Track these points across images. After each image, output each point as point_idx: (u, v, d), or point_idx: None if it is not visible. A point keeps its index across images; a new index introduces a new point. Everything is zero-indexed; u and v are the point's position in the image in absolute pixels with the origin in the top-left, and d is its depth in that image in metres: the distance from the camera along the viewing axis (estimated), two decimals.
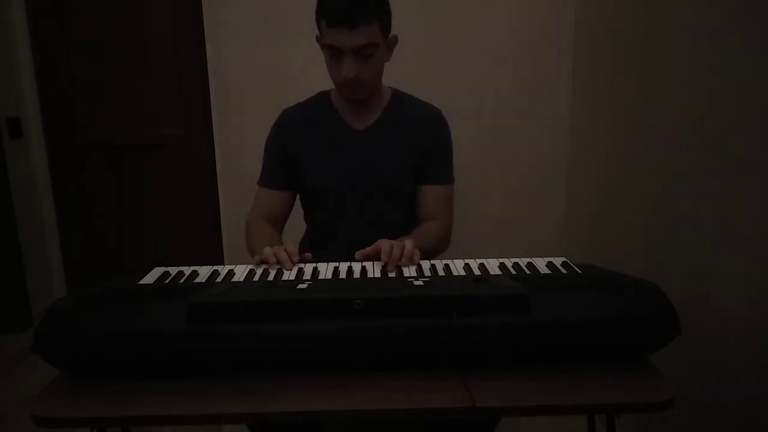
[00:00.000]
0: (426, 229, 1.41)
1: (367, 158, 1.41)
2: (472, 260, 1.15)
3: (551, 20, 2.29)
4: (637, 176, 1.63)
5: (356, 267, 1.15)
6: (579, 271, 1.07)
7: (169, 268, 1.14)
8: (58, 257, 2.87)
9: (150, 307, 0.89)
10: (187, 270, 1.13)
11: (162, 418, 0.83)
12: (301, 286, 0.93)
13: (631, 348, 0.90)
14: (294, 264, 1.15)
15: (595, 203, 2.06)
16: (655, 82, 1.51)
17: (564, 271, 1.08)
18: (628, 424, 1.63)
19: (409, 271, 1.11)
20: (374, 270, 1.12)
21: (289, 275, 1.11)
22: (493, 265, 1.12)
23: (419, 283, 0.94)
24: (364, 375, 0.88)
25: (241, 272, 1.12)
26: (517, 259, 1.15)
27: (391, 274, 1.10)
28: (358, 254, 1.18)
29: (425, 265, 1.15)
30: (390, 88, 1.47)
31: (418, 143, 1.42)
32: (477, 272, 1.08)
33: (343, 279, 1.08)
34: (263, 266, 1.16)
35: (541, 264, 1.12)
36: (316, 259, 1.21)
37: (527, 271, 1.09)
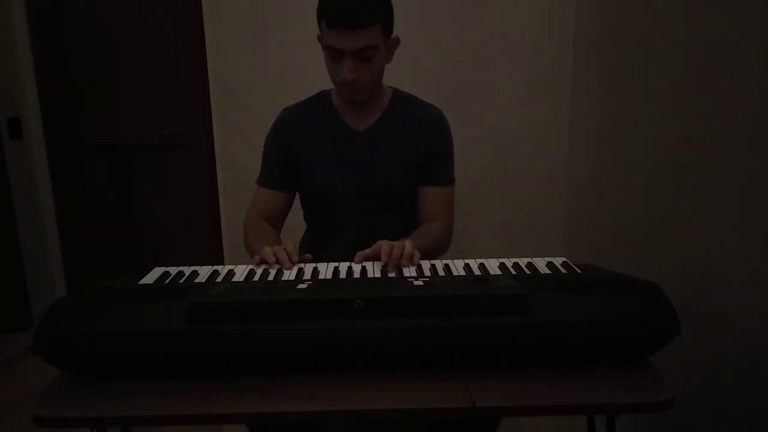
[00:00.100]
0: (426, 230, 1.41)
1: (368, 159, 1.41)
2: (472, 260, 1.15)
3: (551, 20, 2.29)
4: (637, 176, 1.63)
5: (356, 267, 1.15)
6: (579, 271, 1.07)
7: (169, 268, 1.14)
8: (58, 257, 2.87)
9: (150, 307, 0.89)
10: (187, 270, 1.13)
11: (162, 418, 0.83)
12: (301, 286, 0.93)
13: (631, 348, 0.90)
14: (293, 264, 1.15)
15: (595, 203, 2.06)
16: (656, 82, 1.51)
17: (564, 271, 1.08)
18: (628, 424, 1.63)
19: (409, 271, 1.11)
20: (374, 270, 1.12)
21: (289, 275, 1.11)
22: (493, 265, 1.12)
23: (419, 283, 0.94)
24: (364, 375, 0.88)
25: (241, 272, 1.12)
26: (517, 259, 1.14)
27: (391, 274, 1.10)
28: (357, 256, 1.17)
29: (425, 265, 1.15)
30: (391, 88, 1.46)
31: (418, 144, 1.41)
32: (477, 272, 1.08)
33: (343, 279, 1.08)
34: (263, 266, 1.16)
35: (541, 264, 1.12)
36: (316, 259, 1.21)
37: (527, 271, 1.09)
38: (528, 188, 2.47)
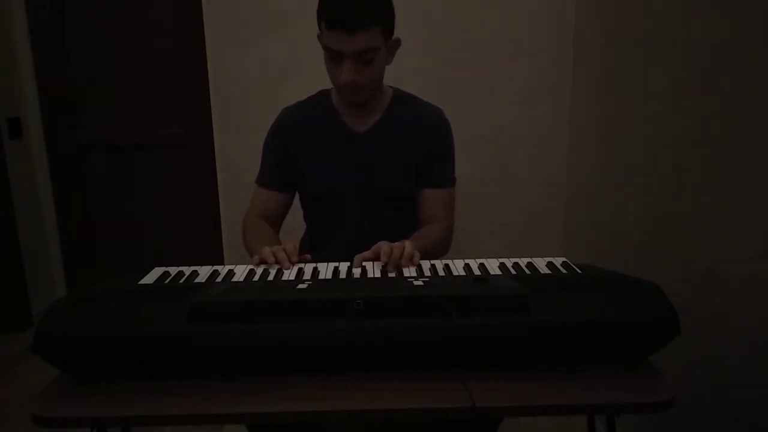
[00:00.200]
0: (426, 232, 1.40)
1: (368, 161, 1.40)
2: (472, 260, 1.15)
3: (551, 20, 2.30)
4: (636, 176, 1.63)
5: (356, 267, 1.15)
6: (579, 271, 1.07)
7: (169, 268, 1.14)
8: (58, 257, 2.87)
9: (150, 307, 0.89)
10: (187, 270, 1.13)
11: (162, 418, 0.83)
12: (301, 286, 0.93)
13: (631, 348, 0.90)
14: (293, 263, 1.15)
15: (595, 203, 2.06)
16: (656, 82, 1.51)
17: (564, 271, 1.08)
18: (628, 424, 1.63)
19: (409, 271, 1.11)
20: (374, 270, 1.12)
21: (288, 275, 1.11)
22: (493, 265, 1.12)
23: (419, 283, 0.94)
24: (364, 375, 0.88)
25: (241, 272, 1.12)
26: (517, 259, 1.14)
27: (391, 274, 1.10)
28: (355, 260, 1.16)
29: (425, 265, 1.15)
30: (391, 87, 1.45)
31: (419, 144, 1.41)
32: (477, 272, 1.08)
33: (343, 279, 1.08)
34: (262, 266, 1.16)
35: (541, 264, 1.12)
36: (316, 259, 1.21)
37: (527, 271, 1.09)
38: (528, 188, 2.47)
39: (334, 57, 1.26)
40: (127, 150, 2.74)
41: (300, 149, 1.42)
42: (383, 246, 1.15)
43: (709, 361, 1.23)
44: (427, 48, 2.32)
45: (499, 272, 1.08)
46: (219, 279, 1.08)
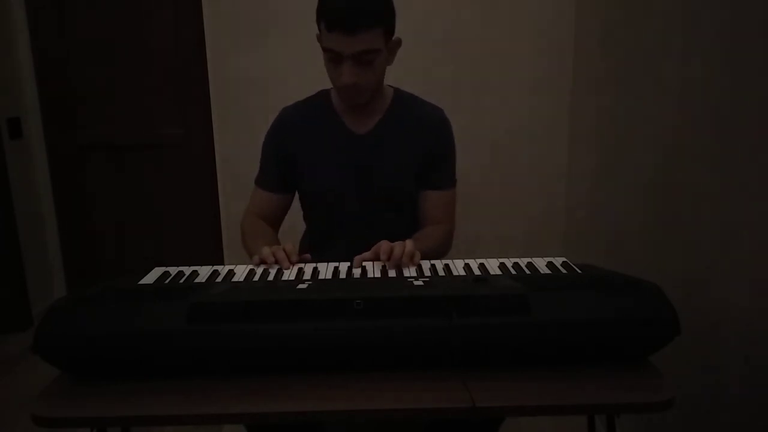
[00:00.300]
0: (427, 233, 1.40)
1: (367, 162, 1.39)
2: (472, 260, 1.15)
3: (551, 20, 2.29)
4: (636, 176, 1.63)
5: (356, 268, 1.15)
6: (579, 271, 1.07)
7: (169, 268, 1.14)
8: (58, 257, 2.87)
9: (150, 307, 0.89)
10: (187, 270, 1.13)
11: (162, 418, 0.83)
12: (301, 286, 0.93)
13: (631, 348, 0.90)
14: (292, 263, 1.15)
15: (595, 203, 2.06)
16: (656, 83, 1.51)
17: (564, 271, 1.08)
18: (628, 424, 1.62)
19: (409, 271, 1.11)
20: (374, 270, 1.12)
21: (288, 275, 1.11)
22: (493, 265, 1.12)
23: (419, 283, 0.94)
24: (364, 375, 0.88)
25: (241, 272, 1.12)
26: (517, 259, 1.14)
27: (391, 274, 1.10)
28: (355, 261, 1.16)
29: (425, 265, 1.14)
30: (392, 87, 1.44)
31: (419, 145, 1.40)
32: (477, 272, 1.08)
33: (343, 279, 1.08)
34: (262, 266, 1.16)
35: (541, 264, 1.12)
36: (316, 259, 1.21)
37: (527, 271, 1.09)
38: (528, 188, 2.47)
39: (334, 58, 1.24)
40: (127, 150, 2.73)
41: (299, 150, 1.42)
42: (383, 245, 1.14)
43: (709, 361, 1.23)
44: (428, 48, 2.32)
45: (499, 272, 1.08)
46: (219, 279, 1.08)
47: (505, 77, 2.36)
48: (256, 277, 1.09)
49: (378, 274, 1.10)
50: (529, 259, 1.15)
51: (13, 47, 2.58)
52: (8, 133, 2.54)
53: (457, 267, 1.12)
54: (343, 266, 1.15)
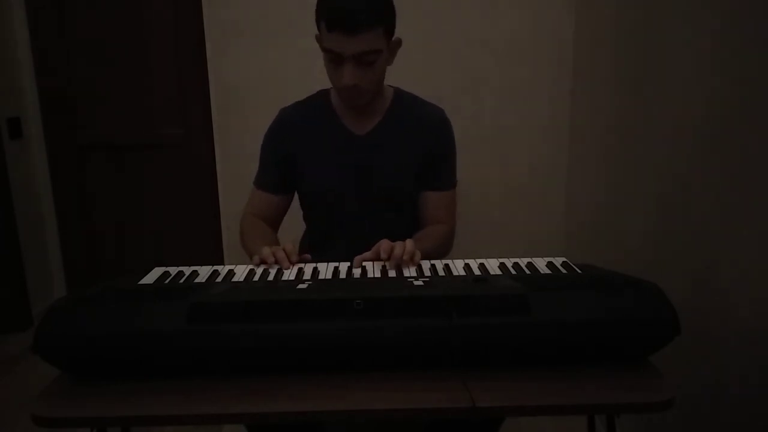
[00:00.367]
0: (428, 233, 1.39)
1: (367, 163, 1.38)
2: (472, 260, 1.15)
3: (551, 20, 2.29)
4: (637, 176, 1.63)
5: (356, 268, 1.14)
6: (579, 271, 1.07)
7: (169, 268, 1.14)
8: (58, 257, 2.87)
9: (150, 307, 0.89)
10: (187, 270, 1.13)
11: (162, 418, 0.83)
12: (301, 286, 0.93)
13: (631, 348, 0.90)
14: (292, 263, 1.15)
15: (595, 203, 2.06)
16: (655, 83, 1.51)
17: (564, 271, 1.08)
18: (628, 424, 1.62)
19: (409, 271, 1.11)
20: (374, 270, 1.12)
21: (289, 275, 1.11)
22: (493, 265, 1.12)
23: (419, 283, 0.94)
24: (364, 375, 0.88)
25: (241, 272, 1.12)
26: (517, 259, 1.14)
27: (391, 274, 1.10)
28: (355, 261, 1.16)
29: (425, 265, 1.14)
30: (392, 87, 1.43)
31: (419, 146, 1.39)
32: (477, 272, 1.08)
33: (343, 279, 1.08)
34: (262, 266, 1.16)
35: (541, 264, 1.12)
36: (316, 259, 1.20)
37: (527, 271, 1.09)
38: (528, 188, 2.47)
39: (334, 59, 1.22)
40: (127, 150, 2.73)
41: (299, 150, 1.41)
42: (384, 244, 1.14)
43: (709, 361, 1.23)
44: (427, 48, 2.32)
45: (499, 272, 1.08)
46: (219, 279, 1.08)
47: (505, 77, 2.36)
48: (256, 277, 1.09)
49: (378, 274, 1.10)
50: (529, 259, 1.15)
51: (13, 47, 2.58)
52: (8, 133, 2.54)
53: (457, 267, 1.12)
54: (343, 266, 1.15)
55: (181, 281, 1.08)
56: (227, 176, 2.55)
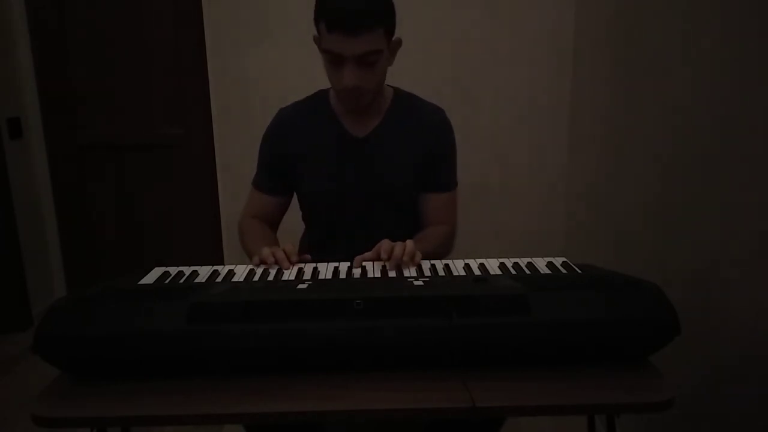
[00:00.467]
0: (428, 234, 1.39)
1: (367, 164, 1.38)
2: (472, 260, 1.15)
3: (551, 20, 2.30)
4: (636, 176, 1.63)
5: (356, 268, 1.14)
6: (579, 271, 1.07)
7: (169, 268, 1.14)
8: (58, 257, 2.87)
9: (150, 307, 0.89)
10: (187, 270, 1.13)
11: (162, 418, 0.83)
12: (301, 286, 0.93)
13: (631, 348, 0.90)
14: (292, 263, 1.15)
15: (595, 203, 2.06)
16: (655, 83, 1.51)
17: (564, 271, 1.08)
18: (628, 424, 1.62)
19: (409, 271, 1.11)
20: (374, 270, 1.12)
21: (288, 275, 1.11)
22: (493, 265, 1.12)
23: (419, 283, 0.94)
24: (364, 375, 0.88)
25: (241, 272, 1.12)
26: (517, 259, 1.14)
27: (391, 274, 1.10)
28: (355, 261, 1.15)
29: (425, 265, 1.14)
30: (392, 87, 1.42)
31: (419, 146, 1.38)
32: (477, 272, 1.08)
33: (343, 279, 1.08)
34: (262, 266, 1.15)
35: (541, 264, 1.12)
36: (316, 259, 1.20)
37: (527, 271, 1.09)
38: (528, 189, 2.47)
39: (334, 61, 1.20)
40: (127, 150, 2.73)
41: (298, 151, 1.40)
42: (384, 244, 1.14)
43: (709, 361, 1.23)
44: (428, 48, 2.32)
45: (499, 272, 1.08)
46: (219, 279, 1.08)
47: (505, 77, 2.36)
48: (256, 278, 1.09)
49: (378, 274, 1.10)
50: (529, 259, 1.15)
51: (13, 47, 2.58)
52: (8, 133, 2.54)
53: (457, 267, 1.12)
54: (343, 266, 1.15)
55: (181, 281, 1.07)
56: (227, 176, 2.55)
